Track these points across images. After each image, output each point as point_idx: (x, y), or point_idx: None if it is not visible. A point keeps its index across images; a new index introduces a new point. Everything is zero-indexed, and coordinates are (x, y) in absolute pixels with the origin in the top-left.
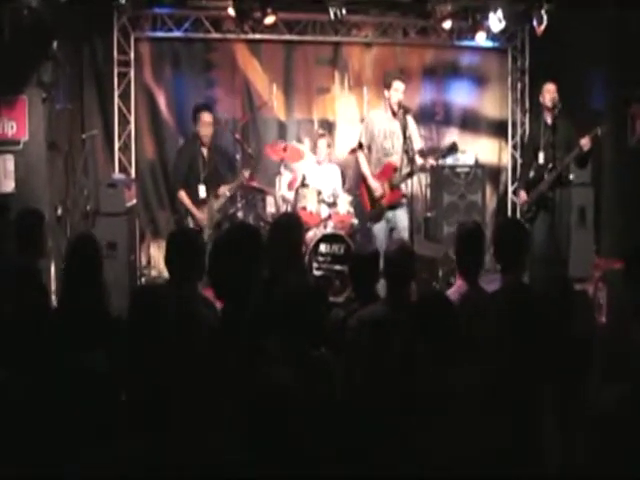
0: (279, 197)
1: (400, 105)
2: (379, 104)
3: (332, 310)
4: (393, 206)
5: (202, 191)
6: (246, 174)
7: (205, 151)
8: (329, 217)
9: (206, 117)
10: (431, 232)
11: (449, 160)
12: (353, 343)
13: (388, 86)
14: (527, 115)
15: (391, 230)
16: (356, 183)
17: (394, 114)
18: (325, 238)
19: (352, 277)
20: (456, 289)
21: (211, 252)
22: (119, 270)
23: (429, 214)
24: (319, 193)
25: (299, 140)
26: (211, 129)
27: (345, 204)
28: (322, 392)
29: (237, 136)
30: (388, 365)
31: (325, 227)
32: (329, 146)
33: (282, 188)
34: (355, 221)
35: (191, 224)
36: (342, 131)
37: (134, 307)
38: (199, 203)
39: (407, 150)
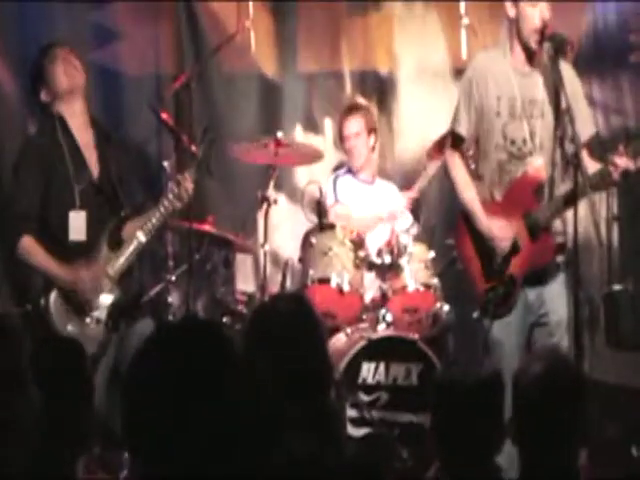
0: (265, 255)
1: (544, 34)
2: (495, 36)
3: None
4: (537, 274)
5: (77, 227)
6: (187, 182)
7: (81, 139)
8: (383, 300)
9: (60, 49)
10: (624, 328)
11: None
12: None
13: None
14: None
15: (533, 326)
16: (445, 221)
17: (529, 58)
18: (372, 350)
19: (439, 440)
20: None
21: (124, 391)
22: None
23: (617, 286)
24: (358, 244)
25: (310, 124)
26: (80, 77)
27: (419, 268)
28: None
29: (163, 115)
30: None
31: (373, 324)
32: (372, 132)
33: (273, 235)
34: (445, 307)
35: (54, 300)
36: (409, 99)
37: None
38: (71, 256)
39: (563, 139)
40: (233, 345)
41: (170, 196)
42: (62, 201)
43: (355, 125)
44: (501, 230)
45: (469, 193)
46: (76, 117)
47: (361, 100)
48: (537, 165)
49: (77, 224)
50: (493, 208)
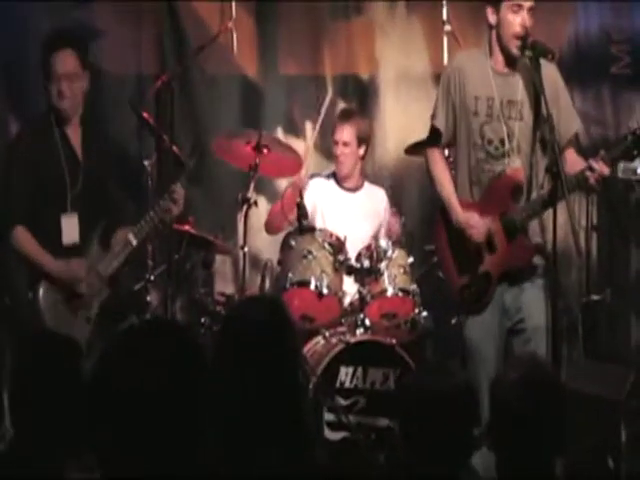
0: (244, 257)
1: (524, 39)
2: (477, 43)
3: None
4: (514, 276)
5: (69, 230)
6: (177, 194)
7: (74, 139)
8: (361, 304)
9: (66, 60)
10: (601, 339)
11: None
12: None
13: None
14: None
15: (510, 333)
16: (424, 227)
17: (509, 61)
18: (350, 355)
19: (407, 445)
20: None
21: (92, 393)
22: None
23: (596, 297)
24: (337, 248)
25: (290, 127)
26: (81, 86)
27: (398, 273)
28: None
29: (145, 115)
30: None
31: (351, 328)
32: (363, 142)
33: (253, 237)
34: (423, 313)
35: (43, 294)
36: (390, 104)
37: None
38: (62, 254)
39: (544, 142)
40: (198, 347)
41: (163, 204)
42: (54, 202)
43: (346, 133)
44: (477, 221)
45: (447, 187)
46: (71, 117)
47: (355, 108)
48: (515, 166)
49: (70, 227)
50: (471, 207)
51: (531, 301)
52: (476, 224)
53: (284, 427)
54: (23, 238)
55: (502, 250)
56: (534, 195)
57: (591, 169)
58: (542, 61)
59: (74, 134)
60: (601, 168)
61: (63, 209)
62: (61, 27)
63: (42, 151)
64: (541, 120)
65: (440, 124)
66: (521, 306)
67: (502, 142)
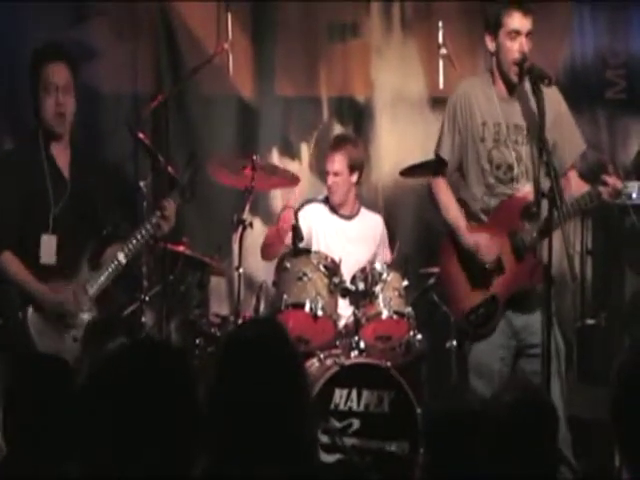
0: (239, 278)
1: (523, 66)
2: (473, 67)
3: None
4: (522, 299)
5: (47, 250)
6: (170, 208)
7: (62, 160)
8: (356, 326)
9: (61, 72)
10: (596, 363)
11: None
12: None
13: (493, 26)
14: None
15: (519, 354)
16: (419, 251)
17: (509, 87)
18: (344, 377)
19: (435, 472)
20: None
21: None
22: None
23: (590, 321)
24: (332, 270)
25: (286, 148)
26: (73, 102)
27: (392, 296)
28: None
29: (140, 135)
30: None
31: (346, 350)
32: (356, 169)
33: (248, 258)
34: (418, 336)
35: (31, 315)
36: (386, 127)
37: None
38: (48, 276)
39: (548, 164)
40: (191, 373)
41: (153, 220)
42: (39, 222)
43: (337, 163)
44: (487, 242)
45: (453, 211)
46: (59, 139)
47: (348, 134)
48: (522, 191)
49: (48, 248)
50: (480, 229)
51: (535, 325)
52: (487, 244)
53: (286, 447)
54: (10, 263)
55: (510, 270)
56: (543, 214)
57: (604, 183)
58: (544, 87)
59: (62, 155)
60: (614, 182)
61: (46, 229)
62: (53, 41)
63: (27, 171)
64: (545, 142)
65: (446, 154)
66: (535, 331)
67: (510, 167)
